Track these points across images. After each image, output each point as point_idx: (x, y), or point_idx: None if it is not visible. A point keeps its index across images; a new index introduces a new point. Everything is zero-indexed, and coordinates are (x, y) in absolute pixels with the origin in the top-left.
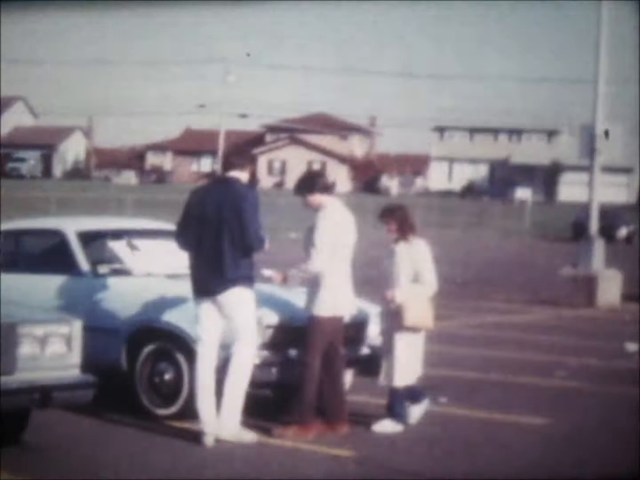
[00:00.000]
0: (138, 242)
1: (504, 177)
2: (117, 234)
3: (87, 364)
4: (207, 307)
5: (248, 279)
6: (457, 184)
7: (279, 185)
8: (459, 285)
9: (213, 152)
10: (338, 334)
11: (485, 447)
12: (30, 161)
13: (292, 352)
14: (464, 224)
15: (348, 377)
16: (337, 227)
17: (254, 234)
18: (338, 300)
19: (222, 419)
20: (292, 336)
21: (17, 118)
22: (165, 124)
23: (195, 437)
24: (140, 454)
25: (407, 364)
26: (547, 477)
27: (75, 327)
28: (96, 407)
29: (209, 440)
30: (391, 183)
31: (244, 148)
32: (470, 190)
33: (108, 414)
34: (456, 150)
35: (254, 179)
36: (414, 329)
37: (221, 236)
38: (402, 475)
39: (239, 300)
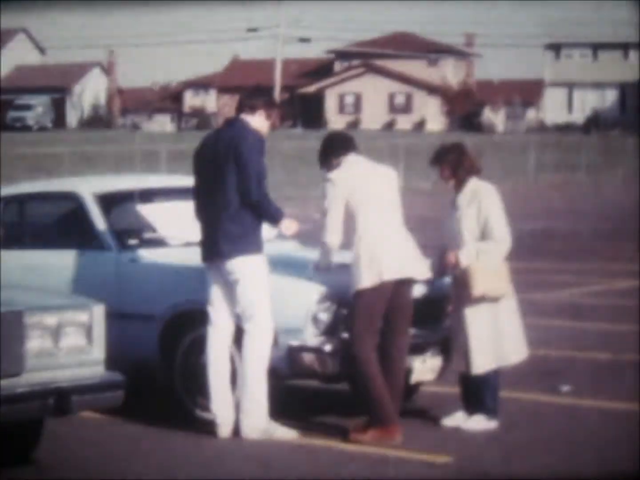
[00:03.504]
0: (174, 203)
1: (637, 104)
2: (148, 195)
3: (114, 359)
4: (213, 277)
5: (252, 241)
6: (578, 115)
7: (353, 125)
8: (583, 241)
9: (268, 88)
10: (396, 309)
11: (621, 448)
12: (38, 108)
13: None
14: (589, 165)
15: (436, 362)
16: (355, 185)
17: (255, 181)
18: (381, 265)
19: (244, 414)
20: None
21: (20, 55)
22: (207, 54)
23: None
24: (185, 468)
25: (486, 344)
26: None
27: (97, 314)
28: (126, 412)
29: (223, 432)
30: (495, 117)
31: (262, 88)
32: (595, 123)
33: (140, 420)
34: (576, 72)
35: (274, 126)
36: (487, 299)
37: (218, 189)
38: None
39: (244, 267)
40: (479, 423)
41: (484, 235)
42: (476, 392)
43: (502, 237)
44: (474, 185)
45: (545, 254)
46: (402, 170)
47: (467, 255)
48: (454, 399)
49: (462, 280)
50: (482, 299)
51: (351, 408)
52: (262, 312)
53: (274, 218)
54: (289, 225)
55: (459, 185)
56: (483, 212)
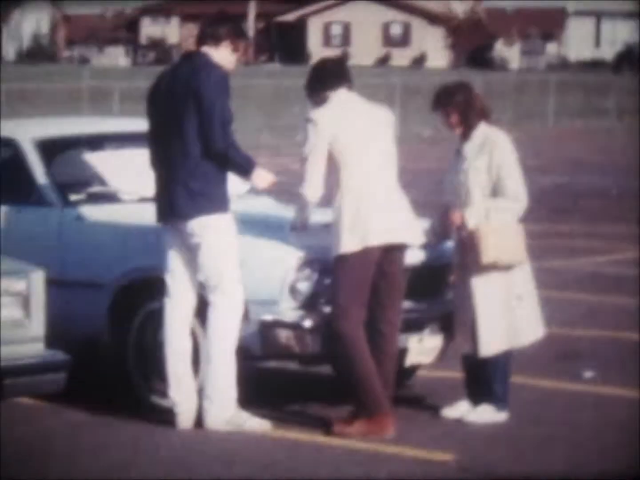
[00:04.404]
0: (127, 152)
1: None
2: (97, 142)
3: (56, 335)
4: (172, 240)
5: (216, 197)
6: (607, 51)
7: None
8: (613, 199)
9: (239, 16)
10: (386, 278)
11: None
12: None
13: None
14: (620, 109)
15: (436, 342)
16: (341, 128)
17: (219, 126)
18: (366, 227)
19: (208, 402)
20: None
21: None
22: None
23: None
24: (138, 465)
25: (496, 321)
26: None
27: (36, 281)
28: (69, 398)
29: (183, 422)
30: (509, 52)
31: (229, 15)
32: (627, 59)
33: (87, 407)
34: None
35: (245, 60)
36: (498, 267)
37: (175, 136)
38: None
39: (206, 228)
40: (486, 414)
41: (495, 191)
42: (483, 378)
43: (517, 193)
44: (484, 131)
45: (567, 215)
46: (398, 115)
47: (475, 215)
48: (456, 386)
49: (468, 245)
50: (492, 268)
51: (335, 395)
52: (229, 281)
53: (244, 169)
54: (262, 178)
55: (468, 132)
56: (495, 164)
